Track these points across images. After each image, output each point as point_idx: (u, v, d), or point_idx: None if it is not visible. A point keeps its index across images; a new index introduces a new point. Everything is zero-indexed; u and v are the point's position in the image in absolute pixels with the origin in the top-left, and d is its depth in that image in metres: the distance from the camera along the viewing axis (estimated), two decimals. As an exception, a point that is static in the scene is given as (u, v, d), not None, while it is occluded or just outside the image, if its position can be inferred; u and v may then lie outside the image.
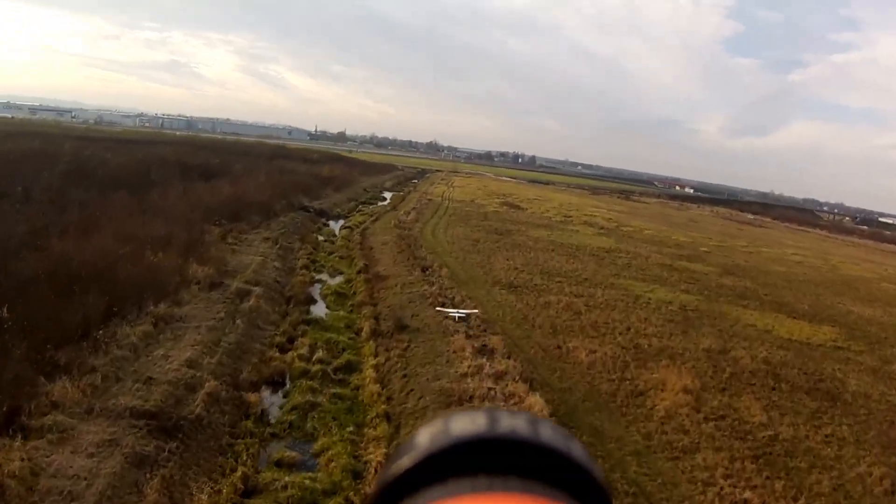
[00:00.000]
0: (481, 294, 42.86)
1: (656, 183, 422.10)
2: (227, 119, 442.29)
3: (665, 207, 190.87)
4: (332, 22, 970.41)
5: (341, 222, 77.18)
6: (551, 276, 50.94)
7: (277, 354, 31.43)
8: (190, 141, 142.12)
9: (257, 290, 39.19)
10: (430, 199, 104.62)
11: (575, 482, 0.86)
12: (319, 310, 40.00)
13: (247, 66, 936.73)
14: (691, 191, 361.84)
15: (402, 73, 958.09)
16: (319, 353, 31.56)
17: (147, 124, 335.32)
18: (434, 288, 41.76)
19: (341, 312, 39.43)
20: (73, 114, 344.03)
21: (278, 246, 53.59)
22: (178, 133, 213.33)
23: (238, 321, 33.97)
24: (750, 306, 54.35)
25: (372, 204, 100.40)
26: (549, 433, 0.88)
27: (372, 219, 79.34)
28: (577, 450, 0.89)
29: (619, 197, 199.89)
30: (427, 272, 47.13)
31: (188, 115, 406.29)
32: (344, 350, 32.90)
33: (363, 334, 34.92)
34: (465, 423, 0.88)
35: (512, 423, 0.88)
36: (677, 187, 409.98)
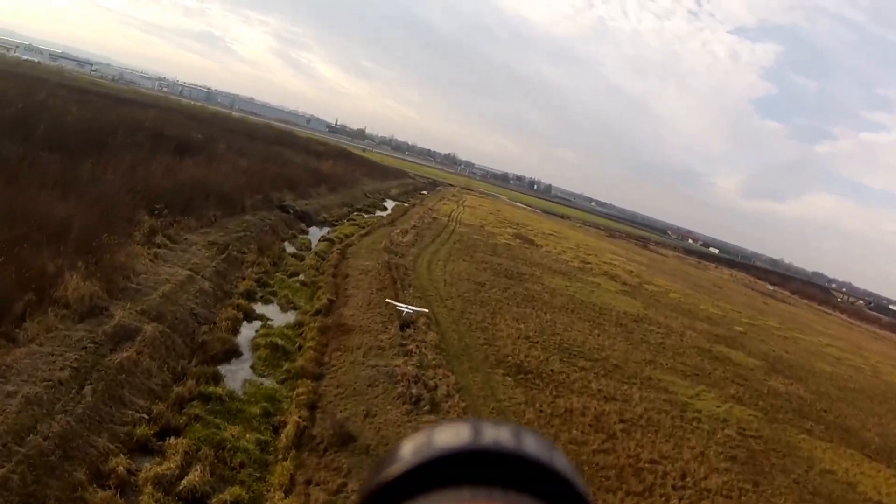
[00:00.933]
0: (476, 382, 29.95)
1: (670, 232, 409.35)
2: (251, 98, 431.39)
3: (684, 263, 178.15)
4: (370, 17, 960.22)
5: (325, 231, 64.53)
6: (573, 357, 38.08)
7: (124, 466, 18.55)
8: (188, 110, 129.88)
9: (151, 328, 26.27)
10: (435, 218, 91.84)
11: (558, 493, 0.86)
12: (237, 374, 26.94)
13: (279, 49, 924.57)
14: (715, 251, 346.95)
15: (432, 80, 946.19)
16: (196, 473, 18.70)
17: (164, 89, 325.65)
18: (411, 364, 28.80)
19: (267, 383, 26.43)
20: (94, 66, 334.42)
21: (224, 255, 40.73)
22: (184, 101, 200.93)
23: (88, 387, 21.17)
24: (815, 432, 41.65)
25: (368, 213, 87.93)
26: (532, 445, 0.88)
27: (362, 232, 66.65)
28: (560, 461, 0.88)
29: (636, 244, 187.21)
30: (407, 330, 34.31)
31: (209, 87, 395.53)
32: (241, 467, 20.10)
33: (283, 437, 22.02)
34: (449, 435, 0.87)
35: (496, 434, 0.88)
36: (690, 240, 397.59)
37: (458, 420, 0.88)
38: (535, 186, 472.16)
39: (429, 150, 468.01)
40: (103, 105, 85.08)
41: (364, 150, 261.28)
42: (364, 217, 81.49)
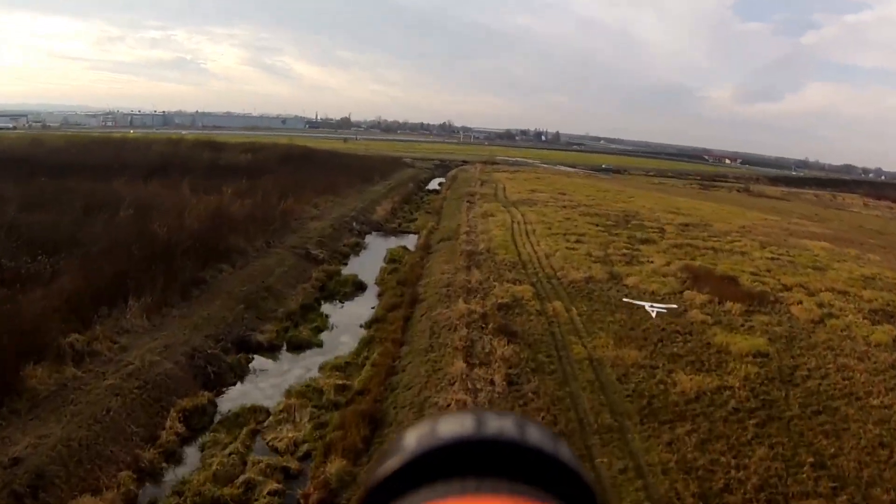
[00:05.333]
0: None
1: (707, 158, 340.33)
2: (228, 112, 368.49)
3: (822, 207, 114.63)
4: (337, 8, 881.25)
5: None
6: None
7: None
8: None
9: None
10: (517, 301, 28.57)
11: (563, 484, 0.81)
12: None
13: (252, 58, 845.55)
14: (797, 171, 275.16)
15: (412, 56, 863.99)
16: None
17: (110, 124, 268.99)
18: None
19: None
20: (29, 118, 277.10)
21: None
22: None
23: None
24: None
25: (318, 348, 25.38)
26: (536, 435, 0.82)
27: None
28: (564, 452, 0.83)
29: (738, 191, 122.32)
30: None
31: (165, 111, 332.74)
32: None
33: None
34: (453, 425, 0.82)
35: (500, 424, 0.82)
36: (728, 160, 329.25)
37: (462, 411, 0.73)
38: (543, 137, 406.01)
39: (422, 124, 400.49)
40: None
41: (346, 139, 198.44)
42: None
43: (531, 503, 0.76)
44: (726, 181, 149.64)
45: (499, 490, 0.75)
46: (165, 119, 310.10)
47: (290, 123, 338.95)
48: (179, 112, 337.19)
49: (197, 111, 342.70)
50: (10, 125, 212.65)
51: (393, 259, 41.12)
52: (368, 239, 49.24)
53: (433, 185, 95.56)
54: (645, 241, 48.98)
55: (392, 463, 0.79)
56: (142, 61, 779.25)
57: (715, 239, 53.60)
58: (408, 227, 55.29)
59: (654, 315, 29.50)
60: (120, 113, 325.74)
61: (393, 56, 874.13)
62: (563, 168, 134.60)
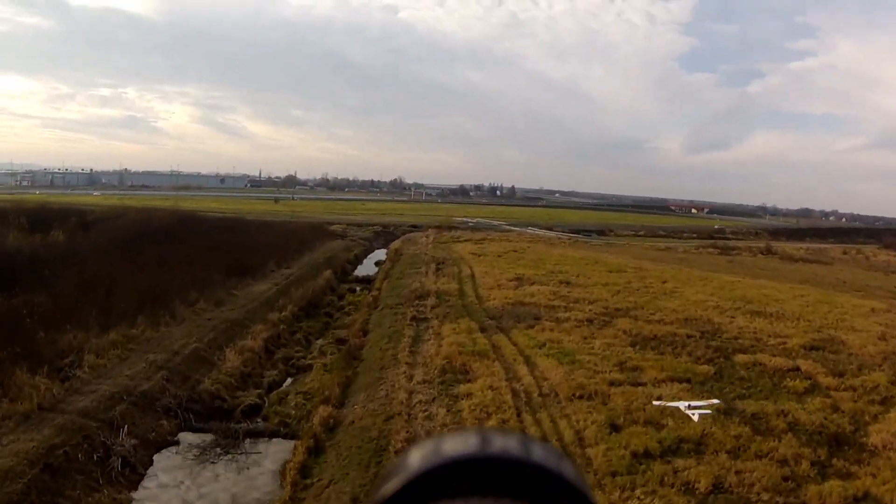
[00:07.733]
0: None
1: (672, 207, 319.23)
2: (173, 171, 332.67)
3: (867, 269, 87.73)
4: (289, 66, 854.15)
5: None
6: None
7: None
8: None
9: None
10: None
11: (567, 503, 0.79)
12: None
13: (204, 116, 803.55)
14: (770, 219, 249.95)
15: (363, 113, 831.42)
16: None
17: (26, 183, 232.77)
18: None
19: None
20: None
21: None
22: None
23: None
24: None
25: None
26: (540, 454, 0.80)
27: None
28: (568, 470, 0.80)
29: (762, 254, 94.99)
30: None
31: (93, 169, 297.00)
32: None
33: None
34: (457, 444, 0.80)
35: (504, 443, 0.80)
36: (693, 210, 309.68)
37: (467, 429, 0.81)
38: (498, 192, 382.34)
39: (372, 181, 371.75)
40: None
41: (277, 199, 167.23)
42: None
43: None
44: (727, 238, 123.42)
45: None
46: (92, 178, 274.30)
47: (231, 182, 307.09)
48: (116, 171, 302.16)
49: (126, 169, 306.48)
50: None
51: None
52: (158, 474, 18.36)
53: (368, 263, 65.64)
54: (837, 442, 20.02)
55: (395, 481, 0.77)
56: (93, 119, 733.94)
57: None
58: (282, 404, 24.48)
59: (696, 418, 20.94)
60: (41, 171, 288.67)
61: (345, 113, 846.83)
62: (537, 231, 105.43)
